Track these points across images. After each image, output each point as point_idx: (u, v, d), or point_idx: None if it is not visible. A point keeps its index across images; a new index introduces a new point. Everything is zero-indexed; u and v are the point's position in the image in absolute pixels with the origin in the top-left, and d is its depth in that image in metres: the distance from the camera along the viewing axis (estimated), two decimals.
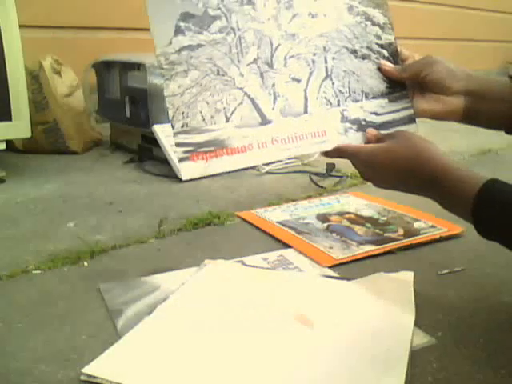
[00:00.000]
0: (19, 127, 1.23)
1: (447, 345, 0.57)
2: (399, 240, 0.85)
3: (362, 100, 0.60)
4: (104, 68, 1.54)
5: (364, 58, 0.61)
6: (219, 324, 0.60)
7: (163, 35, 0.60)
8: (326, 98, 0.61)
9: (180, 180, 1.23)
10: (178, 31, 0.60)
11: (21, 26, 1.20)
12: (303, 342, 0.57)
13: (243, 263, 0.76)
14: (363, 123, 0.61)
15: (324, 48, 0.62)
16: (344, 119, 0.61)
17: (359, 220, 0.94)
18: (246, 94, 0.61)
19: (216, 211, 0.99)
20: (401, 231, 0.89)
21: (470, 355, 0.55)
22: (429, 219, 0.94)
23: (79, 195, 1.12)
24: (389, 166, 0.62)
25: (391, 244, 0.84)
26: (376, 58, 0.66)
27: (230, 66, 0.61)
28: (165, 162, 1.31)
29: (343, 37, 0.62)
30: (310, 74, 0.62)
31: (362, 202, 1.06)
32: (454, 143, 1.75)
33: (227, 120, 0.60)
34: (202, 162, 0.60)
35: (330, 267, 0.76)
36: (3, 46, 1.17)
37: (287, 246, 0.83)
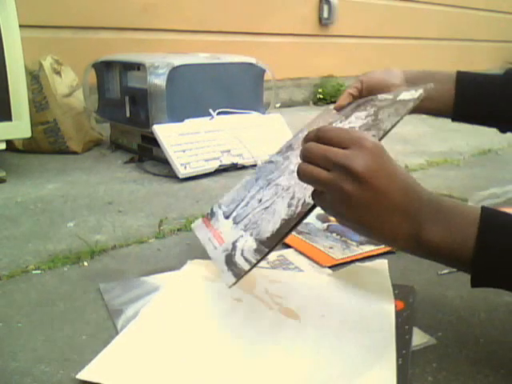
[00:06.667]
0: (19, 127, 1.23)
1: (447, 345, 0.57)
2: None
3: None
4: (104, 68, 1.54)
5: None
6: (208, 323, 0.60)
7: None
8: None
9: (180, 180, 1.23)
10: None
11: (21, 26, 1.20)
12: (292, 335, 0.57)
13: None
14: None
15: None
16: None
17: None
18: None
19: None
20: None
21: (470, 355, 0.55)
22: None
23: (79, 195, 1.12)
24: (395, 167, 0.49)
25: None
26: None
27: None
28: (165, 162, 1.31)
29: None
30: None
31: None
32: (454, 143, 1.75)
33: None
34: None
35: (329, 267, 0.76)
36: (3, 46, 1.17)
37: (287, 245, 0.83)
